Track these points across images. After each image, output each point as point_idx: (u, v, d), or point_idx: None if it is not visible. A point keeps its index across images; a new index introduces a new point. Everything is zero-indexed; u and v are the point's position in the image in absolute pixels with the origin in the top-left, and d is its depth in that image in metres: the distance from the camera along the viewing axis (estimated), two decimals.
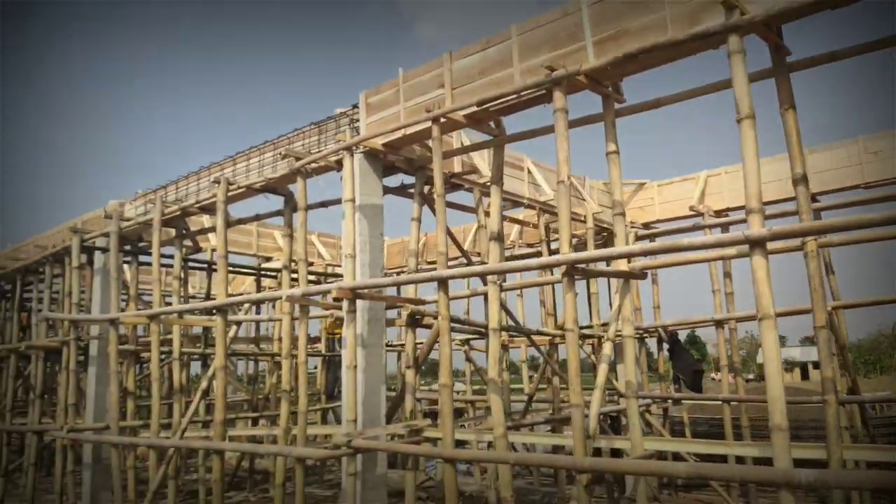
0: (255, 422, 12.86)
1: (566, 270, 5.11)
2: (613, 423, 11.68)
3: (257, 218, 9.71)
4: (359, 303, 6.82)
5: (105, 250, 10.55)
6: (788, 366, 57.81)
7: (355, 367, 6.60)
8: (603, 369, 5.44)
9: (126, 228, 9.90)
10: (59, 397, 10.81)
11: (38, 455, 11.29)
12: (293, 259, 8.34)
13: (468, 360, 12.63)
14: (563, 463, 5.03)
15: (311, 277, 9.29)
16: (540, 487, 11.92)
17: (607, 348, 5.55)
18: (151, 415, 8.76)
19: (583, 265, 5.21)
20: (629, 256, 5.12)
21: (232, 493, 11.77)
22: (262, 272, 13.49)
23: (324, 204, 8.69)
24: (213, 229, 11.04)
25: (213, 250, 12.58)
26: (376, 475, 6.86)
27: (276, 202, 9.24)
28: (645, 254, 5.29)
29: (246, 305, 11.91)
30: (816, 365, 20.56)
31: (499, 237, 6.79)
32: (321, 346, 13.64)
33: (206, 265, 12.39)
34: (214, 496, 7.48)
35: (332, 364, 13.75)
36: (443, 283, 6.10)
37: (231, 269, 12.63)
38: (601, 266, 5.64)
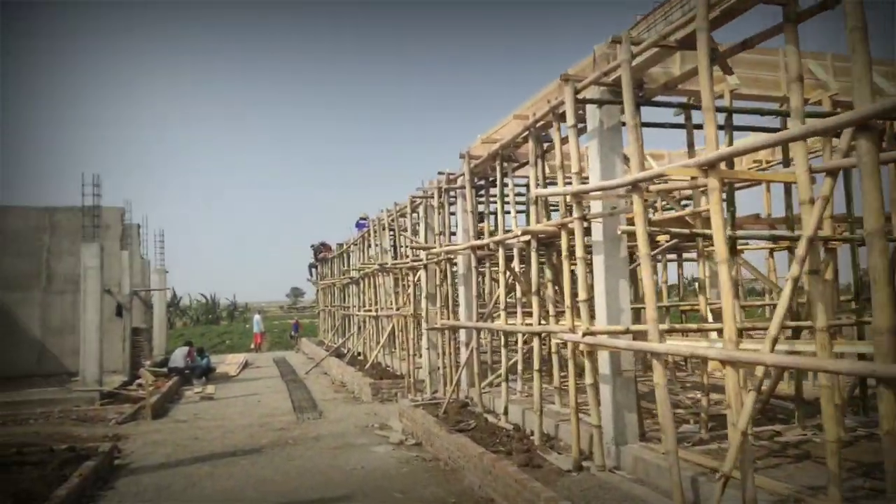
0: (796, 333, 9.11)
1: None
2: None
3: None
4: None
5: (603, 102, 7.91)
6: None
7: None
8: None
9: (640, 52, 6.90)
10: (559, 294, 8.91)
11: (541, 360, 9.74)
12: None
13: None
14: None
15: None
16: None
17: None
18: (723, 315, 5.76)
19: None
20: None
21: (778, 425, 8.42)
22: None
23: None
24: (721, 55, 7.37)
25: (721, 95, 8.87)
26: None
27: None
28: None
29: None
30: None
31: None
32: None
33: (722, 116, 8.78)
34: (829, 440, 4.05)
35: None
36: None
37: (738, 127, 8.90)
38: None
